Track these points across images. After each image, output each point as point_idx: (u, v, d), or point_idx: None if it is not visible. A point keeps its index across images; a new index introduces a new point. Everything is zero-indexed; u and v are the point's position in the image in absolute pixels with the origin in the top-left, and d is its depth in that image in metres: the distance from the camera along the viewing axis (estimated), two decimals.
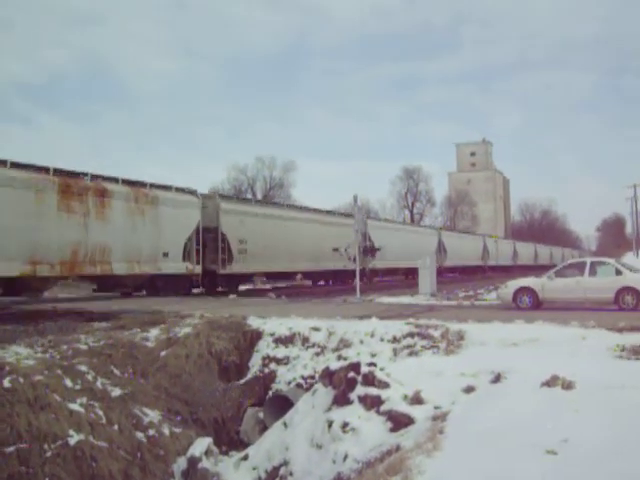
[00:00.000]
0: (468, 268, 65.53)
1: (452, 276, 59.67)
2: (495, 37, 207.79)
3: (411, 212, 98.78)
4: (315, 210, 41.49)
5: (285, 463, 8.32)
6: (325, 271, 39.75)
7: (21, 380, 8.79)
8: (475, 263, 68.32)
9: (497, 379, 8.06)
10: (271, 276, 38.36)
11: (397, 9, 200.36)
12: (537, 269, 70.67)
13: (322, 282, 42.61)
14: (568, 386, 7.15)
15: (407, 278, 51.96)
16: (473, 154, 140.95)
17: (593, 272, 17.70)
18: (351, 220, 38.75)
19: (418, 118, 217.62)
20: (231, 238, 30.00)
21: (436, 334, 12.00)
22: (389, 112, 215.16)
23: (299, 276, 42.62)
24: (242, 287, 34.79)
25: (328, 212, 44.28)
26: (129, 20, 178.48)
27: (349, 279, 38.77)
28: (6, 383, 8.60)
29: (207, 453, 9.52)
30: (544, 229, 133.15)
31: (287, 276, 39.88)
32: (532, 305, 17.93)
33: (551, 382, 7.30)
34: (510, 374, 8.18)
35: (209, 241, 29.18)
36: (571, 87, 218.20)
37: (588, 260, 18.92)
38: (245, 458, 9.17)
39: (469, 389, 7.96)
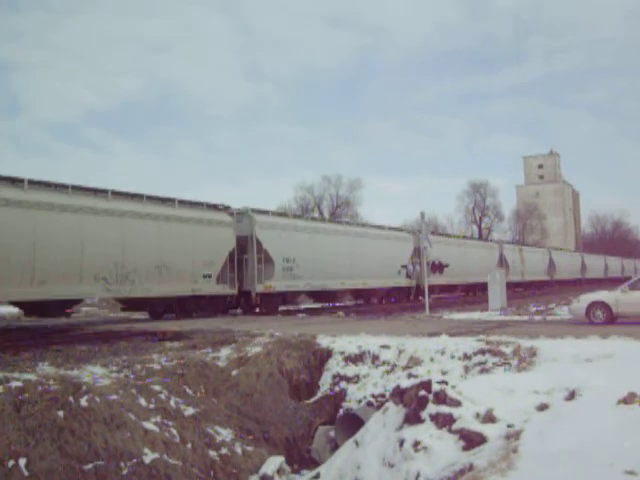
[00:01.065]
0: (475, 286, 47.90)
1: (448, 298, 44.84)
2: (562, 46, 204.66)
3: (479, 227, 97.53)
4: (139, 196, 23.17)
5: None
6: (164, 298, 23.71)
7: (97, 399, 9.02)
8: (484, 280, 41.30)
9: (571, 396, 7.90)
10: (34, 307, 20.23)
11: (460, 24, 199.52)
12: (579, 285, 65.98)
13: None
14: None
15: (381, 302, 37.22)
16: (541, 166, 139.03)
17: None
18: (215, 214, 26.02)
19: (483, 132, 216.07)
20: None
21: (507, 351, 11.83)
22: (454, 126, 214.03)
23: (93, 300, 29.14)
24: None
25: (170, 199, 24.59)
26: (198, 46, 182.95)
27: (218, 308, 25.80)
28: (83, 402, 8.83)
29: (279, 472, 9.58)
30: (616, 241, 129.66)
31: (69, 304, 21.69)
32: (606, 320, 17.49)
33: (628, 399, 7.11)
34: (585, 391, 8.01)
35: None
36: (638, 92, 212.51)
37: None
38: (317, 477, 9.20)
39: (543, 407, 7.82)
